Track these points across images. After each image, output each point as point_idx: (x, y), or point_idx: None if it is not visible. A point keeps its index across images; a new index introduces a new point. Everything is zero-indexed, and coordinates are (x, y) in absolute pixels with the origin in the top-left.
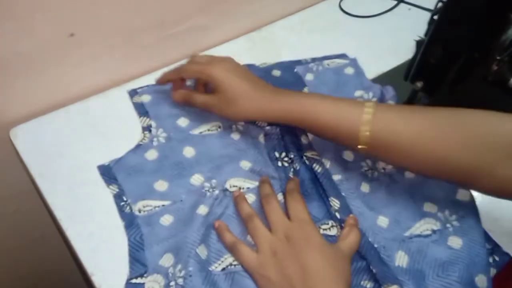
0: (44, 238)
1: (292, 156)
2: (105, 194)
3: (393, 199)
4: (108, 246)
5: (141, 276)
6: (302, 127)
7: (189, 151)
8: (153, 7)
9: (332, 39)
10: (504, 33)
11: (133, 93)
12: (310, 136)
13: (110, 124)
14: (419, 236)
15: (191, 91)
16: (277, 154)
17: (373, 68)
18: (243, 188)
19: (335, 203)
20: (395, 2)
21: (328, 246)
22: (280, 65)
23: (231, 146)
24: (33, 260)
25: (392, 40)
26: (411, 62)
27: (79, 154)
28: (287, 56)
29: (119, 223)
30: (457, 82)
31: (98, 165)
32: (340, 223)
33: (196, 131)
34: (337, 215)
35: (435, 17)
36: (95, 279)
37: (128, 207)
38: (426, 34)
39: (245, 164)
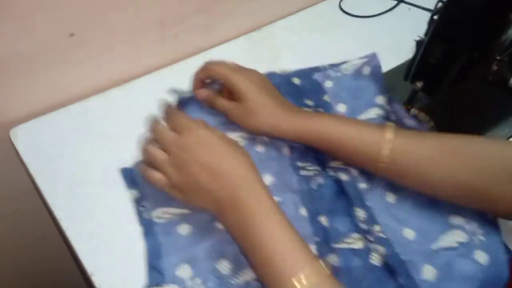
0: (44, 238)
1: (316, 168)
2: (105, 194)
3: (419, 210)
4: (108, 246)
5: (158, 285)
6: (319, 147)
7: None
8: (153, 7)
9: (332, 39)
10: (504, 33)
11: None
12: None
13: (110, 124)
14: (445, 249)
15: (215, 94)
16: (300, 164)
17: None
18: None
19: (360, 213)
20: (395, 2)
21: (223, 138)
22: (299, 73)
23: (254, 157)
24: (33, 260)
25: (392, 40)
26: (411, 62)
27: (79, 154)
28: (287, 56)
29: (119, 223)
30: (457, 82)
31: (122, 167)
32: (365, 234)
33: None
34: (363, 225)
35: (435, 17)
36: (95, 279)
37: (147, 213)
38: (426, 34)
39: (268, 179)
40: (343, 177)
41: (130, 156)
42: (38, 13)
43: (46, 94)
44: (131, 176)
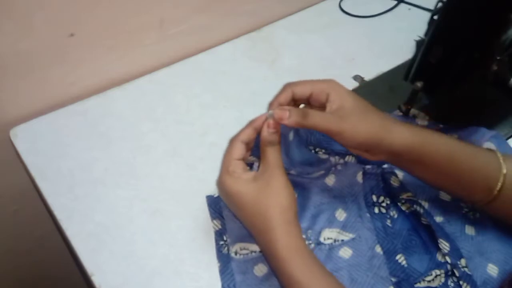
0: (44, 238)
1: (388, 202)
2: (105, 194)
3: (501, 241)
4: (108, 246)
5: None
6: (423, 162)
7: None
8: (153, 7)
9: (332, 39)
10: (504, 33)
11: None
12: (400, 175)
13: (110, 124)
14: None
15: (304, 109)
16: (374, 198)
17: (373, 68)
18: (338, 241)
19: (444, 245)
20: (395, 2)
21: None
22: None
23: (326, 192)
24: (33, 260)
25: (392, 40)
26: (411, 62)
27: (79, 154)
28: (287, 56)
29: (119, 223)
30: (457, 82)
31: (207, 195)
32: (449, 269)
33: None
34: (448, 259)
35: (435, 17)
36: (95, 279)
37: (226, 248)
38: (426, 34)
39: (341, 214)
40: (419, 209)
41: (130, 156)
42: (38, 13)
43: (46, 94)
44: (216, 206)
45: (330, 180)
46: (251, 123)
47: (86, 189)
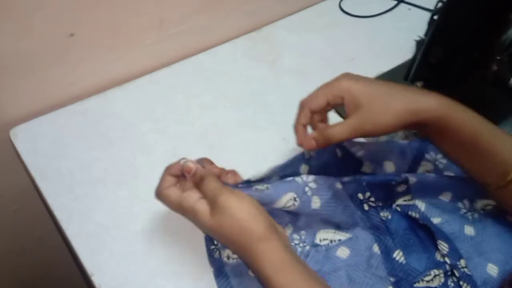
0: (44, 238)
1: (379, 204)
2: (105, 194)
3: (501, 241)
4: (108, 246)
5: None
6: (438, 136)
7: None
8: (153, 7)
9: (332, 39)
10: (504, 33)
11: None
12: (413, 181)
13: (110, 124)
14: None
15: (325, 131)
16: (360, 196)
17: (373, 68)
18: (334, 241)
19: (443, 246)
20: (395, 2)
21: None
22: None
23: (310, 212)
24: (33, 260)
25: (392, 40)
26: (411, 62)
27: (79, 154)
28: (287, 56)
29: (119, 223)
30: (457, 82)
31: None
32: (448, 269)
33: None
34: (447, 259)
35: (435, 17)
36: (95, 279)
37: (217, 252)
38: (426, 34)
39: (333, 223)
40: (415, 215)
41: (130, 156)
42: (38, 13)
43: (46, 94)
44: None
45: (315, 203)
46: (167, 170)
47: (86, 189)
